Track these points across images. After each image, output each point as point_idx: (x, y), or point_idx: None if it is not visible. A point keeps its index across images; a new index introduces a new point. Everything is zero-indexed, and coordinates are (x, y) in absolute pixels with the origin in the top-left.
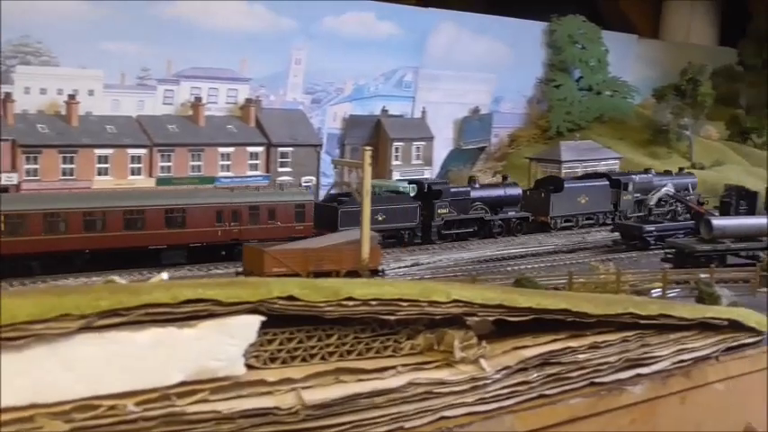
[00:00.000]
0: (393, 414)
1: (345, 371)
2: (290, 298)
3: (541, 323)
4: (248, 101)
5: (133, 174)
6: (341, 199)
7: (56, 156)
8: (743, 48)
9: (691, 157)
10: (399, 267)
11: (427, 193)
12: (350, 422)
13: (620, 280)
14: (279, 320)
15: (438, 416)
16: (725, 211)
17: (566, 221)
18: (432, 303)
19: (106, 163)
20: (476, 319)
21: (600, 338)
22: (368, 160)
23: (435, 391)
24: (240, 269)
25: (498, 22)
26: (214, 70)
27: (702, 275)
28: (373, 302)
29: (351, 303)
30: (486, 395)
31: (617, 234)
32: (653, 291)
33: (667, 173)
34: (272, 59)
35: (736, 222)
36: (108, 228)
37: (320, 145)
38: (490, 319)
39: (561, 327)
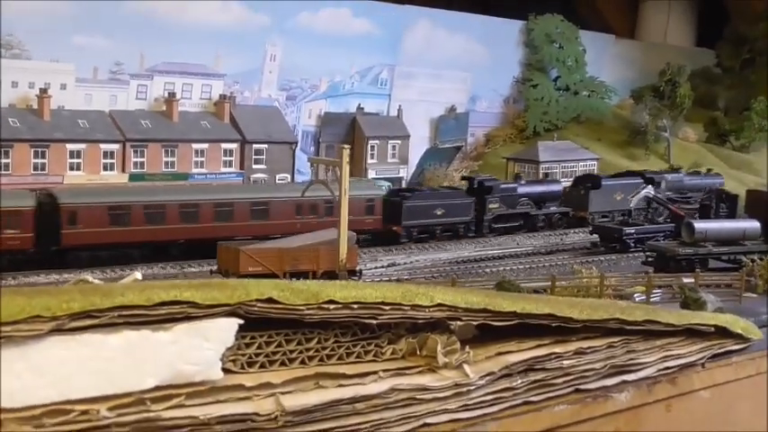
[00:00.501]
0: (374, 421)
1: (326, 376)
2: (269, 300)
3: (525, 328)
4: (222, 97)
5: (105, 169)
6: (404, 194)
7: (27, 150)
8: (720, 49)
9: (669, 159)
10: (376, 268)
11: (479, 189)
12: (330, 429)
13: (603, 284)
14: (257, 323)
15: (421, 422)
16: (705, 214)
17: (602, 217)
18: (415, 307)
19: (78, 158)
20: (459, 323)
21: (585, 344)
22: (346, 158)
23: (418, 397)
24: (215, 267)
25: (475, 20)
26: (188, 65)
27: (686, 280)
28: (355, 306)
29: (332, 307)
30: (470, 402)
31: (595, 236)
32: (635, 295)
33: (696, 173)
34: (246, 55)
35: (718, 226)
36: (201, 219)
37: (295, 142)
38: (474, 323)
39: (545, 332)
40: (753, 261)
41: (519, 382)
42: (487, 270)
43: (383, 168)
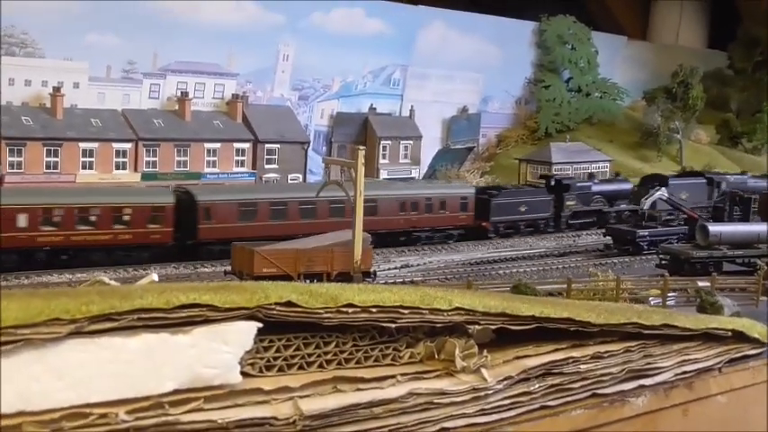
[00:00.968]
0: (392, 425)
1: (344, 380)
2: (289, 304)
3: (542, 332)
4: (235, 96)
5: (118, 168)
6: (491, 192)
7: (40, 149)
8: (733, 51)
9: (681, 161)
10: (389, 269)
11: (557, 187)
12: None
13: (619, 287)
14: (275, 327)
15: (438, 427)
16: (718, 216)
17: (669, 215)
18: (433, 311)
19: (91, 157)
20: (477, 327)
21: (602, 348)
22: (360, 159)
23: (436, 401)
24: (228, 268)
25: (488, 21)
26: (201, 65)
27: (702, 283)
28: (373, 309)
29: (350, 310)
30: (487, 406)
31: (608, 238)
32: (651, 298)
33: (764, 176)
34: (259, 55)
35: (732, 229)
36: (317, 215)
37: (307, 142)
38: (492, 327)
39: (562, 336)
40: None
41: (536, 386)
42: (500, 272)
43: (395, 169)
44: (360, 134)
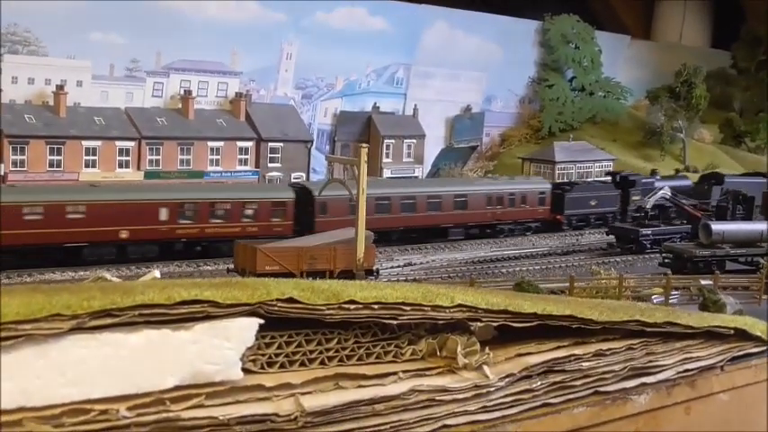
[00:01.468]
0: (394, 422)
1: (345, 376)
2: (290, 300)
3: (544, 329)
4: (238, 95)
5: (121, 166)
6: (564, 187)
7: (43, 147)
8: (736, 50)
9: (684, 160)
10: (392, 267)
11: (623, 183)
12: (350, 430)
13: (621, 285)
14: (277, 323)
15: (440, 424)
16: (721, 215)
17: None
18: (435, 308)
19: (94, 155)
20: (479, 324)
21: (604, 346)
22: (364, 158)
23: (437, 398)
24: (231, 266)
25: (491, 21)
26: (204, 63)
27: (705, 282)
28: (375, 306)
29: (352, 307)
30: (489, 403)
31: (611, 237)
32: (653, 296)
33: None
34: (262, 54)
35: (735, 227)
36: (417, 209)
37: (311, 141)
38: (494, 324)
39: (564, 333)
40: None
41: (538, 383)
42: (503, 270)
43: (398, 167)
44: (363, 133)
